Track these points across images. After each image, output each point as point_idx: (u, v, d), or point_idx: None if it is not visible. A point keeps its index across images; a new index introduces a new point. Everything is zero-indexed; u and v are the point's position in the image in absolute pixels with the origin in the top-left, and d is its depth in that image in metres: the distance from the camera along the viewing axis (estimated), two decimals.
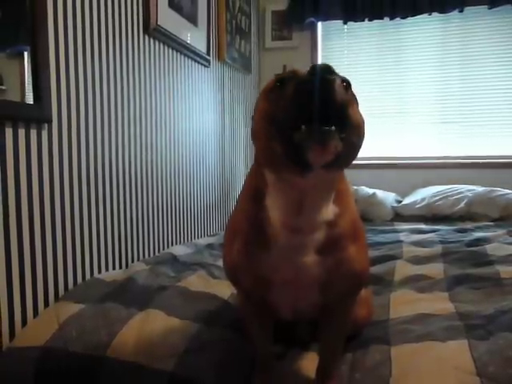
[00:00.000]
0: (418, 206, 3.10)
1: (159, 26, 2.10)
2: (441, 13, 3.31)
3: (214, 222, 2.88)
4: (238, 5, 3.14)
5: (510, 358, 1.03)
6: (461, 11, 3.30)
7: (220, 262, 1.86)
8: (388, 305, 1.42)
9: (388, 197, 3.28)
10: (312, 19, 3.54)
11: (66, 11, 1.56)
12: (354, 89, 0.81)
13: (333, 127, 0.70)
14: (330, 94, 0.70)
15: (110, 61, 1.82)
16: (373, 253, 2.01)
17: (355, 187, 3.21)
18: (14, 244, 1.37)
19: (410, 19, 3.40)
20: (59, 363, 1.22)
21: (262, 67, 3.74)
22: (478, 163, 3.39)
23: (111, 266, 1.84)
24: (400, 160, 3.54)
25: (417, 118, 3.59)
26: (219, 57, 2.89)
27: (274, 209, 0.86)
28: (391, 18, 3.39)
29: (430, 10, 3.31)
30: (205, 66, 2.67)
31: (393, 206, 3.21)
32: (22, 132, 1.39)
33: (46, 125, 1.49)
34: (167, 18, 2.18)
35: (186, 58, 2.46)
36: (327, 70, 0.71)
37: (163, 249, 2.23)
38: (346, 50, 3.70)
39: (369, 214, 3.06)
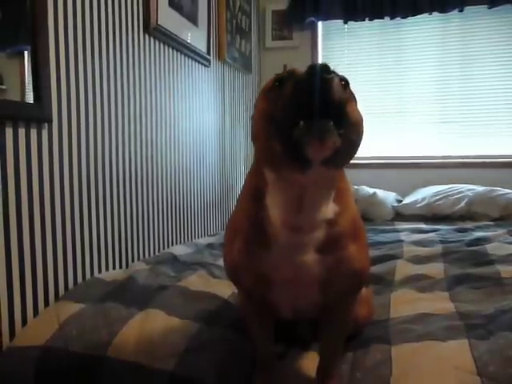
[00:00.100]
0: (418, 205, 3.11)
1: (159, 25, 2.10)
2: (441, 12, 3.31)
3: (214, 222, 2.88)
4: (238, 4, 3.14)
5: (510, 358, 1.03)
6: (461, 11, 3.30)
7: (220, 262, 1.86)
8: (388, 304, 1.42)
9: (388, 196, 3.28)
10: (312, 19, 3.54)
11: (66, 11, 1.56)
12: (353, 87, 0.82)
13: (331, 122, 0.70)
14: (327, 92, 0.70)
15: (111, 60, 1.82)
16: (373, 252, 2.01)
17: (356, 187, 3.21)
18: (14, 244, 1.37)
19: (410, 19, 3.41)
20: (59, 363, 1.22)
21: (263, 67, 3.73)
22: (479, 163, 3.39)
23: (111, 266, 1.84)
24: (400, 160, 3.55)
25: (417, 117, 3.59)
26: (219, 56, 2.89)
27: (274, 207, 0.86)
28: (391, 18, 3.39)
29: (430, 10, 3.32)
30: (205, 65, 2.67)
31: (393, 206, 3.21)
32: (22, 131, 1.39)
33: (47, 124, 1.49)
34: (167, 18, 2.18)
35: (187, 58, 2.46)
36: (325, 69, 0.71)
37: (163, 248, 2.23)
38: (347, 49, 3.70)
39: (369, 213, 3.06)
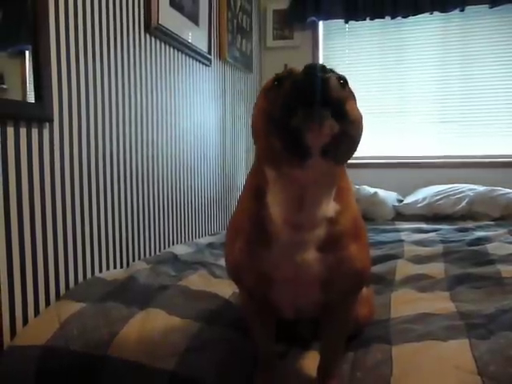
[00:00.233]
0: (419, 205, 3.11)
1: (160, 25, 2.10)
2: (442, 12, 3.31)
3: (214, 222, 2.88)
4: (239, 4, 3.14)
5: (510, 358, 1.02)
6: (462, 10, 3.30)
7: (221, 262, 1.86)
8: (389, 304, 1.42)
9: (389, 196, 3.28)
10: (313, 18, 3.54)
11: (67, 10, 1.56)
12: (354, 87, 0.82)
13: (328, 110, 0.72)
14: (324, 90, 0.72)
15: (112, 60, 1.82)
16: (374, 252, 2.01)
17: (357, 186, 3.21)
18: (16, 243, 1.37)
19: (411, 18, 3.40)
20: (60, 362, 1.22)
21: (264, 66, 3.73)
22: (479, 162, 3.39)
23: (112, 265, 1.84)
24: (401, 159, 3.54)
25: (418, 117, 3.59)
26: (220, 56, 2.89)
27: (275, 205, 0.86)
28: (392, 17, 3.39)
29: (431, 9, 3.31)
30: (206, 65, 2.67)
31: (394, 206, 3.21)
32: (23, 131, 1.39)
33: (48, 124, 1.49)
34: (168, 17, 2.18)
35: (188, 57, 2.46)
36: (321, 68, 0.73)
37: (164, 248, 2.23)
38: (347, 49, 3.70)
39: (370, 213, 3.05)
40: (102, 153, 1.76)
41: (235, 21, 3.07)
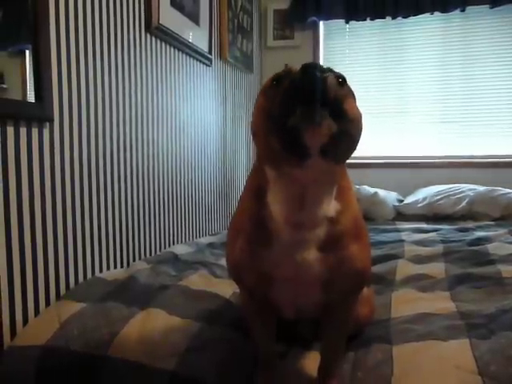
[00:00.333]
0: (419, 205, 3.11)
1: (161, 24, 2.10)
2: (443, 12, 3.31)
3: (215, 221, 2.88)
4: (239, 3, 3.14)
5: (511, 357, 1.02)
6: (462, 11, 3.30)
7: (221, 261, 1.86)
8: (389, 304, 1.42)
9: (390, 196, 3.28)
10: (314, 18, 3.54)
11: (67, 10, 1.56)
12: (355, 87, 0.83)
13: (326, 110, 0.72)
14: (321, 89, 0.72)
15: (112, 59, 1.82)
16: (374, 252, 2.01)
17: (357, 186, 3.21)
18: (16, 243, 1.37)
19: (411, 18, 3.41)
20: (60, 362, 1.22)
21: (264, 66, 3.74)
22: (480, 163, 3.39)
23: (112, 265, 1.84)
24: (401, 159, 3.54)
25: (418, 117, 3.59)
26: (221, 56, 2.89)
27: (276, 204, 0.86)
28: (393, 18, 3.39)
29: (431, 10, 3.31)
30: (207, 64, 2.67)
31: (394, 206, 3.21)
32: (23, 131, 1.39)
33: (48, 123, 1.49)
34: (169, 17, 2.18)
35: (188, 57, 2.46)
36: (319, 67, 0.74)
37: (164, 248, 2.23)
38: (348, 49, 3.70)
39: (371, 213, 3.05)
40: (102, 152, 1.76)
41: (236, 20, 3.07)
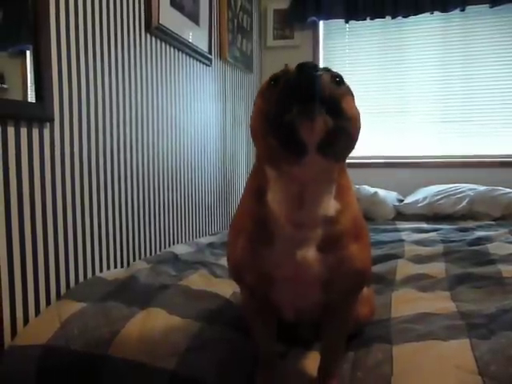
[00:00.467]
0: (419, 204, 3.10)
1: (161, 24, 2.10)
2: (442, 12, 3.31)
3: (215, 221, 2.88)
4: (239, 3, 3.14)
5: (511, 357, 1.02)
6: (462, 10, 3.30)
7: (221, 261, 1.86)
8: (390, 304, 1.42)
9: (390, 196, 3.28)
10: (314, 18, 3.54)
11: (67, 10, 1.56)
12: (354, 87, 0.84)
13: (322, 108, 0.73)
14: (317, 88, 0.73)
15: (112, 59, 1.82)
16: (374, 252, 2.01)
17: (357, 186, 3.20)
18: (16, 242, 1.37)
19: (411, 18, 3.40)
20: (61, 361, 1.22)
21: (264, 66, 3.73)
22: (480, 162, 3.39)
23: (113, 265, 1.84)
24: (401, 159, 3.54)
25: (418, 117, 3.58)
26: (221, 55, 2.89)
27: (276, 203, 0.87)
28: (393, 17, 3.39)
29: (431, 9, 3.31)
30: (206, 64, 2.67)
31: (394, 205, 3.21)
32: (23, 131, 1.39)
33: (48, 124, 1.49)
34: (169, 17, 2.18)
35: (188, 57, 2.46)
36: (313, 66, 0.75)
37: (164, 247, 2.23)
38: (348, 48, 3.69)
39: (371, 212, 3.05)
40: (102, 152, 1.76)
41: (236, 20, 3.07)
